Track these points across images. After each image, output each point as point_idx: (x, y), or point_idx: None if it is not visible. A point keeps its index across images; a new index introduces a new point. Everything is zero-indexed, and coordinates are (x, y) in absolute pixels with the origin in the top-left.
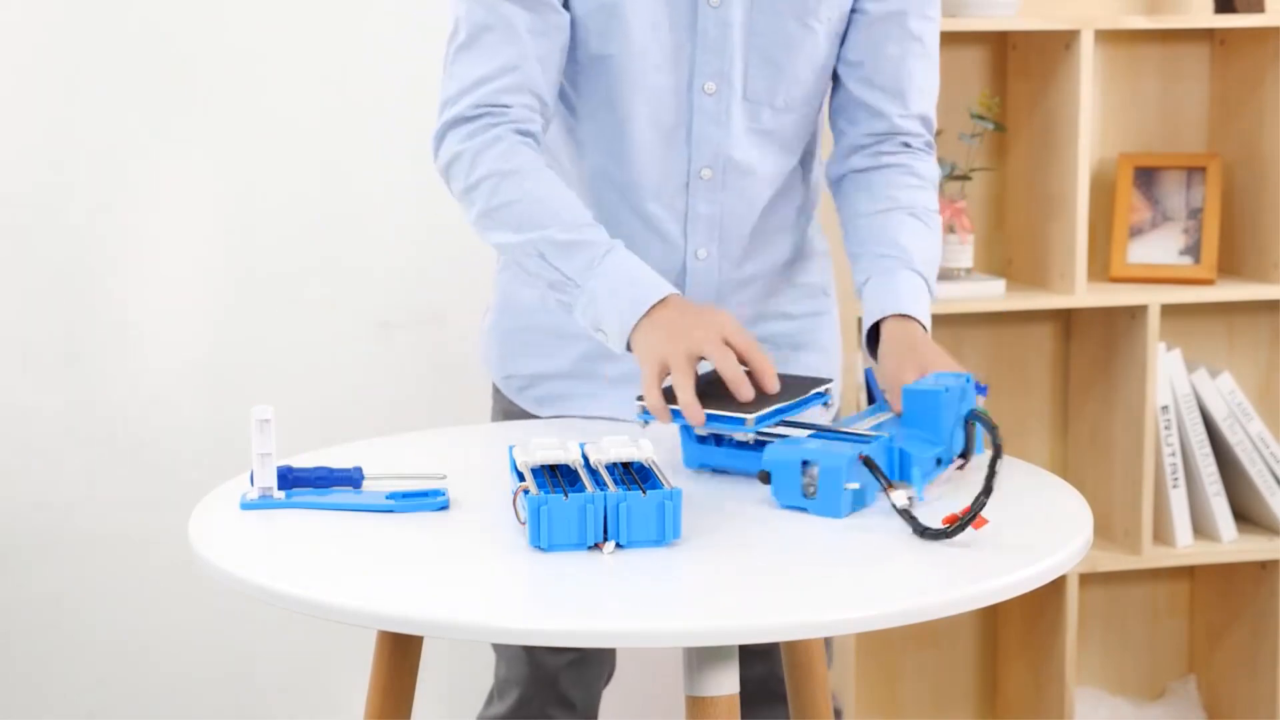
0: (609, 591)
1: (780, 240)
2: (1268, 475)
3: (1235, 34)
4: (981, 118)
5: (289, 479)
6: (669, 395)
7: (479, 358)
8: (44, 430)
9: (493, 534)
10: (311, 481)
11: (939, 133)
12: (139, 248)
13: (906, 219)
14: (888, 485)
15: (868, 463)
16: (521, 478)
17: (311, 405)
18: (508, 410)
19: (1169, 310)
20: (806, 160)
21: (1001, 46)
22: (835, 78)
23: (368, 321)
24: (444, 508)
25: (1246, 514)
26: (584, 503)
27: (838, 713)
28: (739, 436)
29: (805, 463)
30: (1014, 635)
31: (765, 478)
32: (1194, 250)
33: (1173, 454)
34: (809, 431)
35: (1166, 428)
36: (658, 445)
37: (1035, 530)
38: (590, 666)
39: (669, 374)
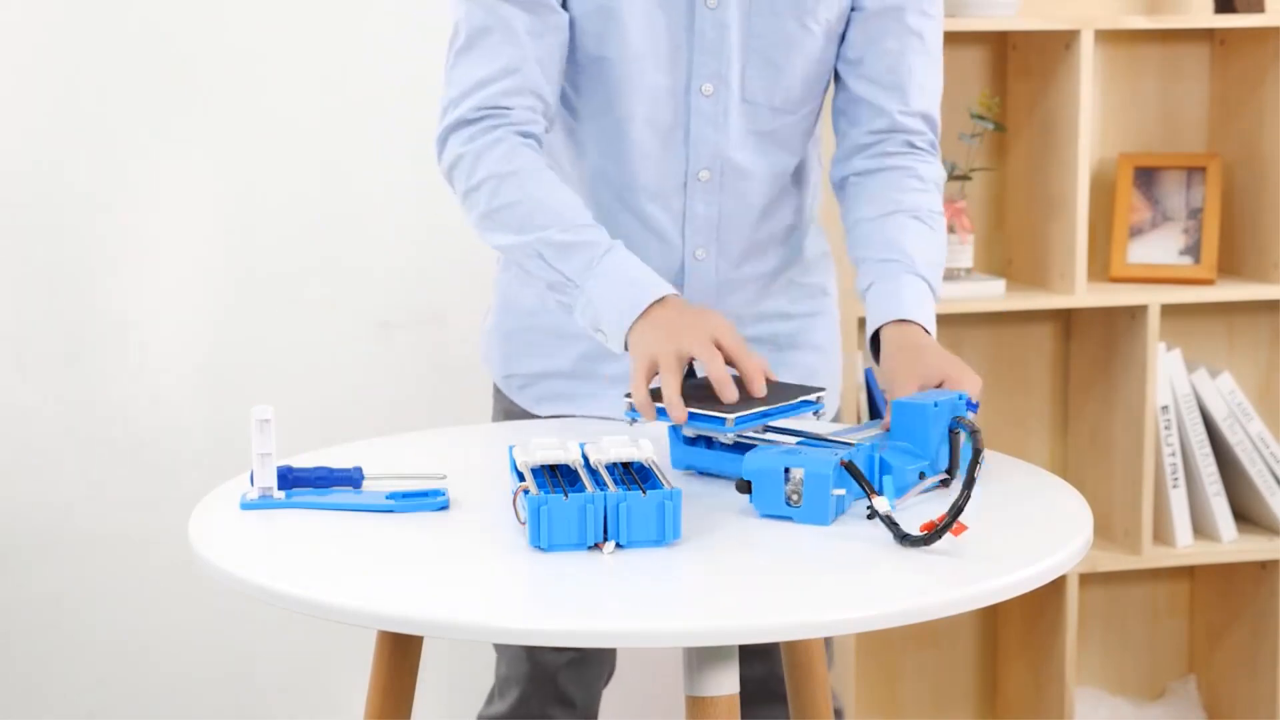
0: (609, 591)
1: (779, 241)
2: (1268, 475)
3: (1235, 34)
4: (981, 118)
5: (289, 479)
6: (658, 394)
7: (480, 358)
8: (44, 430)
9: (493, 534)
10: (311, 481)
11: None
12: (139, 248)
13: (909, 222)
14: (872, 492)
15: (851, 469)
16: (521, 478)
17: (311, 405)
18: (508, 410)
19: (1169, 310)
20: (806, 161)
21: (1001, 46)
22: (836, 77)
23: (368, 321)
24: (444, 508)
25: (1246, 514)
26: (584, 503)
27: (838, 713)
28: (721, 438)
29: (788, 470)
30: (1014, 635)
31: (745, 487)
32: (1194, 250)
33: (1173, 454)
34: (787, 438)
35: (1166, 428)
36: (655, 446)
37: (1035, 530)
38: (590, 666)
39: (659, 373)
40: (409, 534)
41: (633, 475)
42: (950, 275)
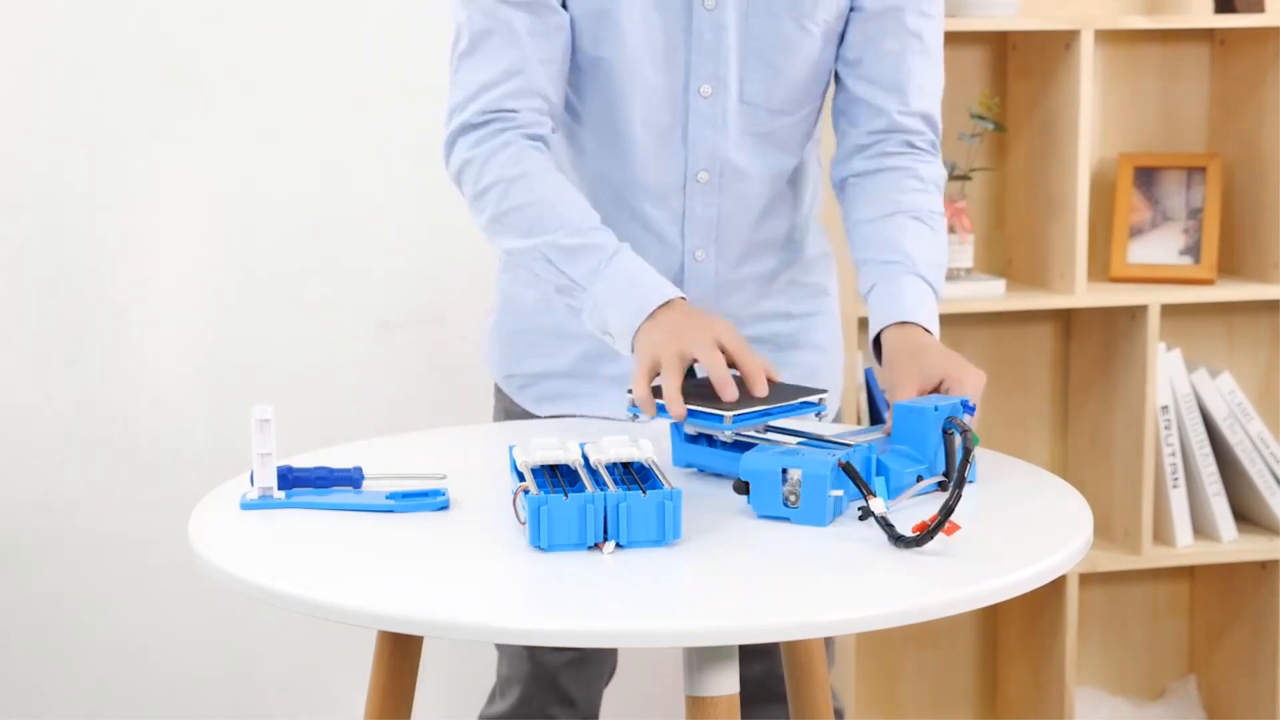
0: (609, 591)
1: (779, 241)
2: (1268, 475)
3: (1235, 34)
4: (981, 118)
5: (289, 479)
6: (660, 392)
7: (481, 358)
8: (44, 430)
9: (493, 534)
10: (311, 481)
11: None
12: (139, 248)
13: (909, 223)
14: (868, 493)
15: (848, 470)
16: (521, 478)
17: (311, 405)
18: (509, 410)
19: (1169, 310)
20: (805, 162)
21: (1001, 46)
22: (836, 78)
23: (368, 321)
24: (444, 508)
25: (1246, 514)
26: (584, 503)
27: (838, 713)
28: (720, 435)
29: (785, 471)
30: (1014, 635)
31: (742, 488)
32: (1194, 250)
33: (1173, 454)
34: (788, 438)
35: (1166, 428)
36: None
37: (1035, 530)
38: (591, 665)
39: (660, 372)
40: (409, 534)
41: (633, 475)
42: (950, 275)
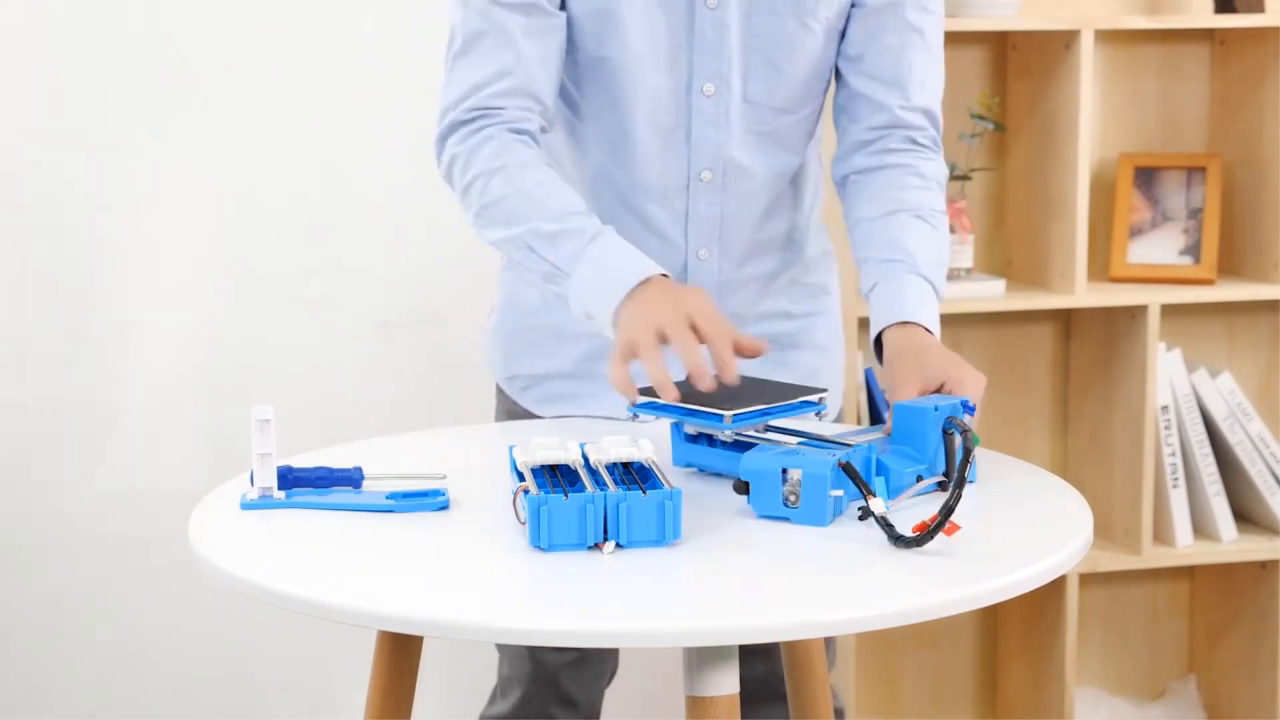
0: (609, 591)
1: (781, 241)
2: (1268, 475)
3: (1235, 34)
4: (981, 118)
5: (289, 479)
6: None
7: (482, 358)
8: (44, 430)
9: (493, 534)
10: (311, 481)
11: None
12: (139, 248)
13: (911, 221)
14: (868, 493)
15: (848, 470)
16: (521, 478)
17: (311, 405)
18: (511, 410)
19: (1169, 310)
20: (807, 161)
21: (1001, 46)
22: (837, 74)
23: (368, 321)
24: (444, 508)
25: (1246, 514)
26: (584, 503)
27: (838, 713)
28: (721, 436)
29: (785, 471)
30: (1014, 635)
31: (742, 488)
32: (1194, 250)
33: (1173, 454)
34: (788, 438)
35: (1166, 428)
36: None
37: (1035, 530)
38: (592, 665)
39: (638, 355)
40: (409, 534)
41: (633, 475)
42: (950, 275)
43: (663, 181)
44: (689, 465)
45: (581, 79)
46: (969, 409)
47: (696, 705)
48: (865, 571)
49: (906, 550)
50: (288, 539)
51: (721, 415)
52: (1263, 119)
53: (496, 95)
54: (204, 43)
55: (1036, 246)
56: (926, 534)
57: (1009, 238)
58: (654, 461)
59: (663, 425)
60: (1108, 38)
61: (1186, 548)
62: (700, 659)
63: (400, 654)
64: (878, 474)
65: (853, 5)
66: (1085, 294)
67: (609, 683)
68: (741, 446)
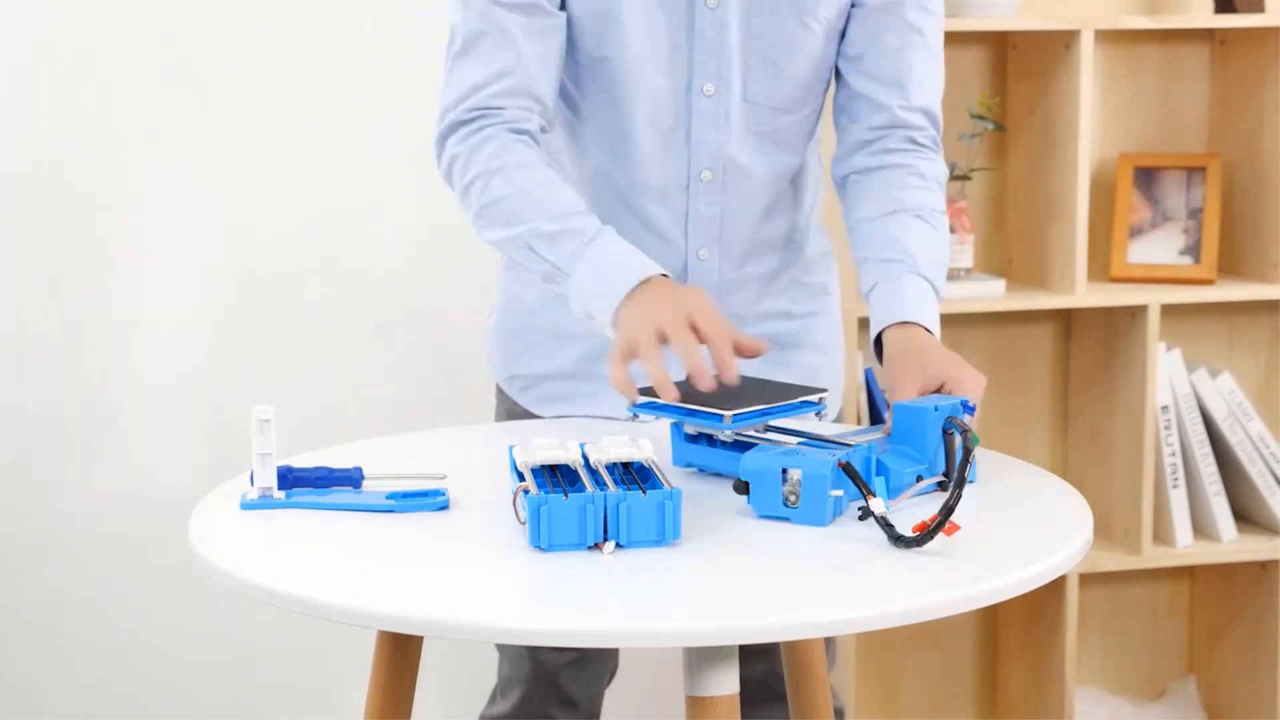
0: (609, 591)
1: (781, 241)
2: (1268, 475)
3: (1235, 34)
4: (981, 118)
5: (289, 479)
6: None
7: (482, 358)
8: (44, 430)
9: (493, 534)
10: (311, 481)
11: None
12: (139, 248)
13: (911, 221)
14: (868, 493)
15: (848, 470)
16: (521, 478)
17: (311, 405)
18: (511, 410)
19: (1169, 310)
20: (807, 161)
21: (1001, 46)
22: (837, 74)
23: (368, 321)
24: (444, 508)
25: (1246, 514)
26: (584, 503)
27: (838, 713)
28: (721, 436)
29: (785, 471)
30: (1014, 635)
31: (742, 488)
32: (1194, 250)
33: (1173, 454)
34: (788, 438)
35: (1166, 428)
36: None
37: (1035, 530)
38: (592, 665)
39: (639, 355)
40: (409, 534)
41: (633, 475)
42: (950, 275)
43: (663, 181)
44: (689, 465)
45: (581, 79)
46: (969, 409)
47: (696, 705)
48: (865, 571)
49: (906, 550)
50: (288, 539)
51: (721, 415)
52: (1263, 119)
53: (496, 95)
54: (204, 43)
55: (1036, 246)
56: (926, 534)
57: (1009, 238)
58: (654, 461)
59: (663, 425)
60: (1108, 38)
61: (1186, 548)
62: (700, 659)
63: (400, 654)
64: (878, 474)
65: (853, 5)
66: (1085, 294)
67: (609, 683)
68: (741, 446)
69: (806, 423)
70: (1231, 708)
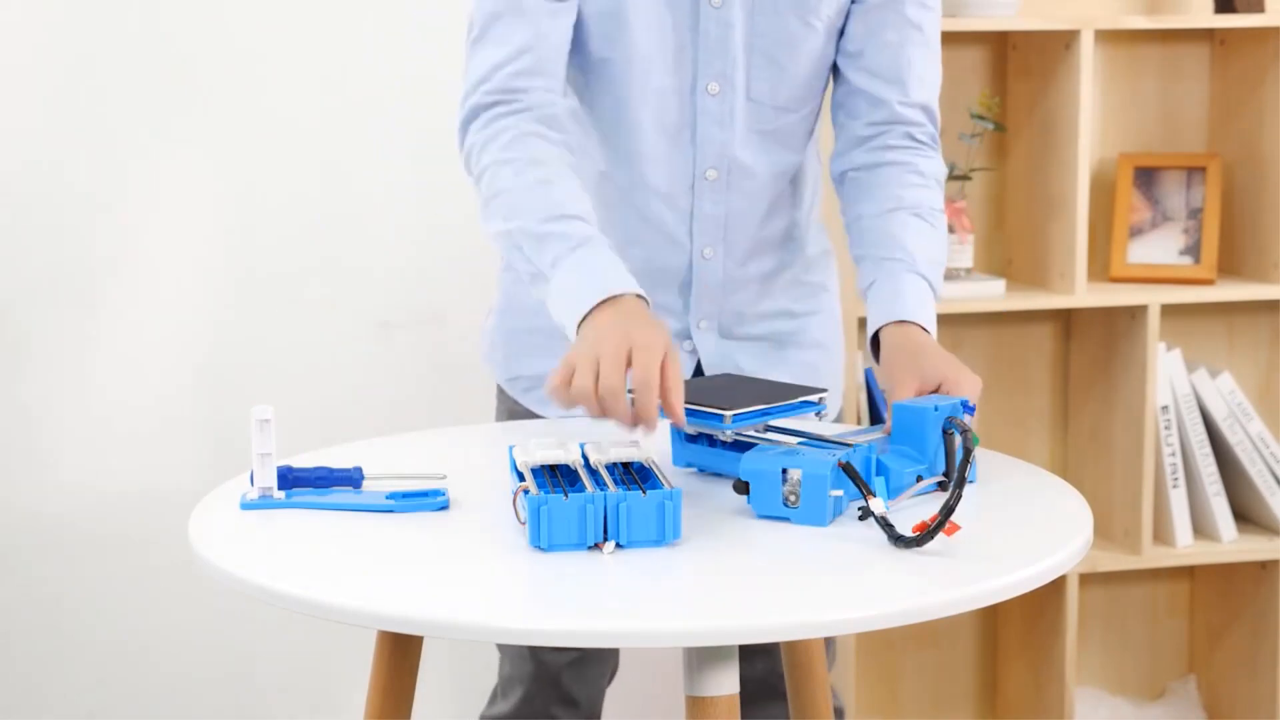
0: (609, 591)
1: (782, 239)
2: (1268, 475)
3: (1235, 34)
4: (981, 118)
5: (289, 479)
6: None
7: (481, 357)
8: (44, 430)
9: (493, 534)
10: (311, 481)
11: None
12: (139, 248)
13: (910, 219)
14: (868, 493)
15: (848, 470)
16: (521, 478)
17: (311, 405)
18: (513, 410)
19: (1169, 310)
20: (807, 159)
21: (1001, 46)
22: (835, 71)
23: (368, 321)
24: (444, 508)
25: (1246, 514)
26: (584, 503)
27: (838, 713)
28: (721, 436)
29: (785, 471)
30: (1014, 635)
31: (742, 488)
32: (1194, 250)
33: (1173, 454)
34: (788, 438)
35: (1166, 428)
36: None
37: (1035, 530)
38: (593, 665)
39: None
40: (409, 534)
41: (633, 475)
42: (950, 275)
43: (668, 181)
44: (689, 465)
45: (586, 80)
46: (969, 409)
47: (696, 705)
48: (865, 571)
49: (906, 550)
50: (288, 539)
51: (721, 415)
52: (1263, 119)
53: (517, 75)
54: (204, 43)
55: (1036, 246)
56: (926, 534)
57: (1009, 238)
58: (654, 461)
59: (663, 425)
60: (1108, 38)
61: (1186, 548)
62: (700, 659)
63: (400, 654)
64: (878, 474)
65: (852, 1)
66: (1085, 294)
67: (610, 682)
68: (741, 446)
69: (806, 423)
70: (1231, 708)
